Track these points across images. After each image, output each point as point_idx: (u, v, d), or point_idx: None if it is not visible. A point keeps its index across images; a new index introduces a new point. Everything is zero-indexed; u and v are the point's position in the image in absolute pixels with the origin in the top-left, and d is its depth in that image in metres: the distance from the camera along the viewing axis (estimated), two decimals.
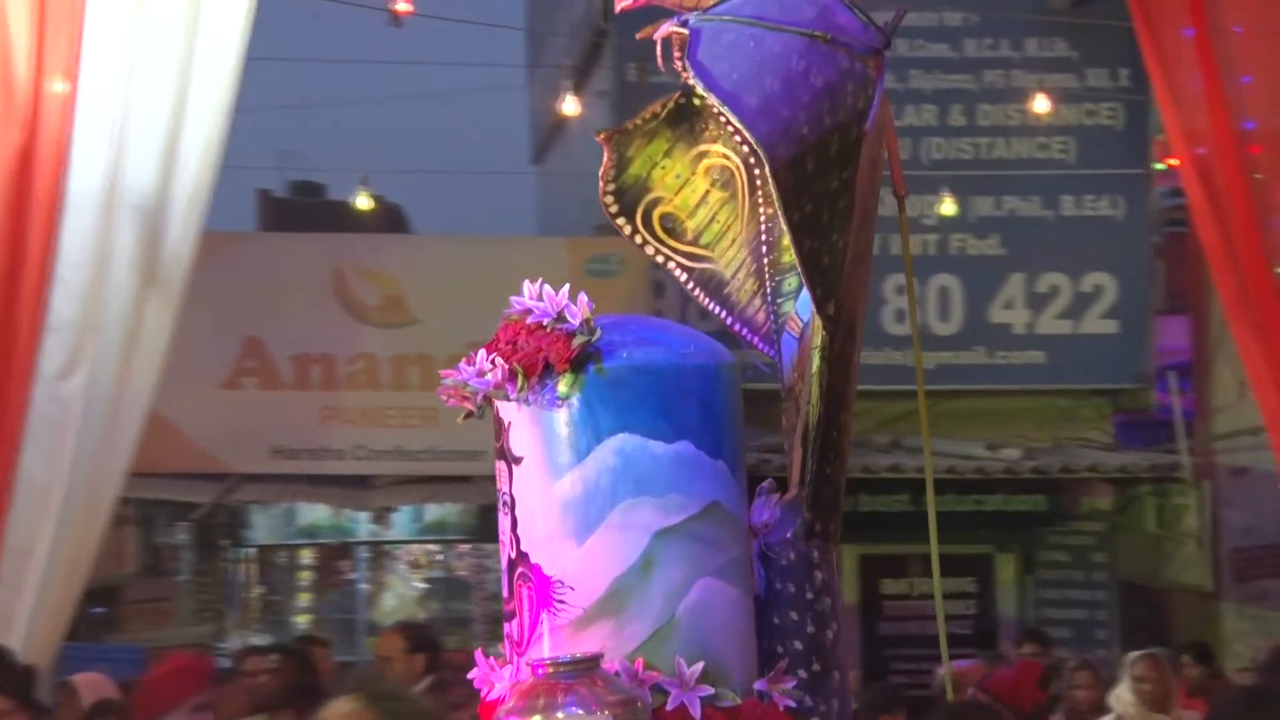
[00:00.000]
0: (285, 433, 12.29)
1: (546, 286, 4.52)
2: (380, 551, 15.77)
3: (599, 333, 4.49)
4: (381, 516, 13.96)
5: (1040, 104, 11.97)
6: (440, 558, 15.55)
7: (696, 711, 4.38)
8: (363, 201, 13.59)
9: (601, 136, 4.97)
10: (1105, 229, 12.60)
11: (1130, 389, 12.88)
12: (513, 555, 4.52)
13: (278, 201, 17.17)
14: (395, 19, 9.67)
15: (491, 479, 4.61)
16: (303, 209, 16.74)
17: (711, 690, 4.40)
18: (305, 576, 16.19)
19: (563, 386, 4.46)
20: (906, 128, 12.55)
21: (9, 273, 7.89)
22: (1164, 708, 7.65)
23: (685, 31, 4.63)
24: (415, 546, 15.72)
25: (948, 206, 12.31)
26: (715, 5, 4.70)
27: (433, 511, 14.64)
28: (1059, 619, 13.11)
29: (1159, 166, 12.55)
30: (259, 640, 13.59)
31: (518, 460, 4.54)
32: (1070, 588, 13.23)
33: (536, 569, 4.48)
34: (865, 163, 4.58)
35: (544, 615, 4.44)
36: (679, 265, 5.02)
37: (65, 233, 7.97)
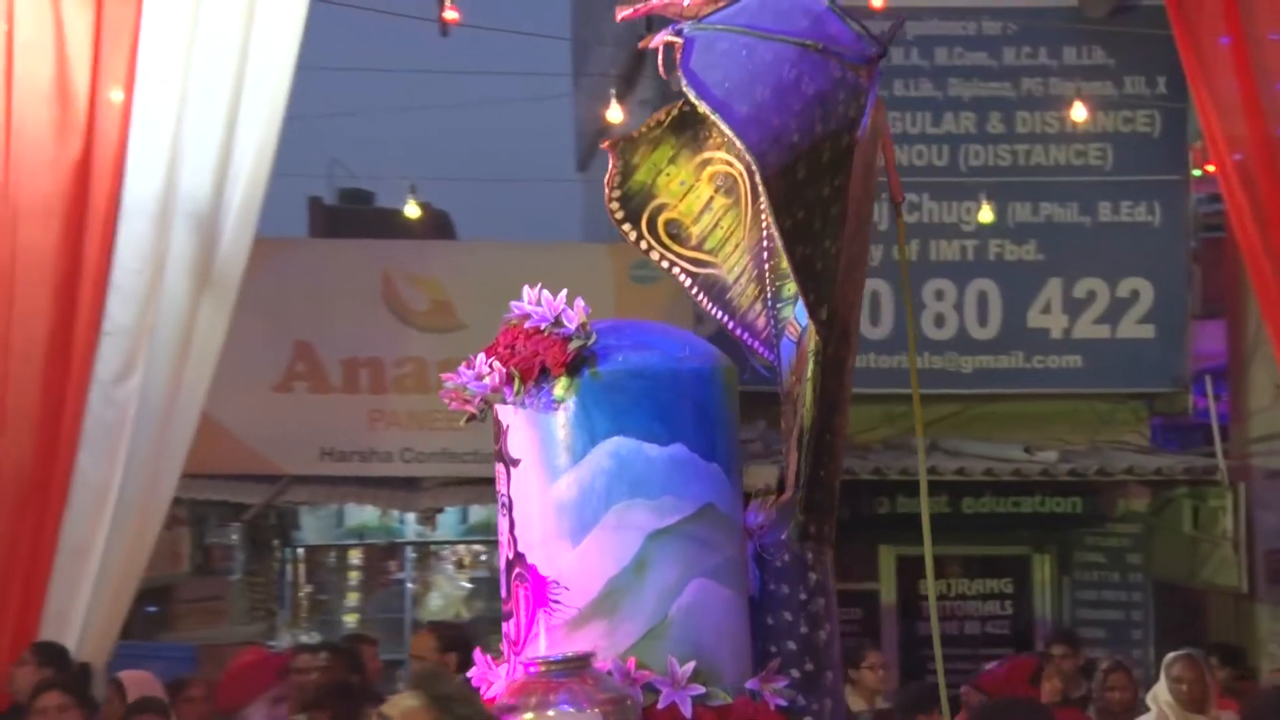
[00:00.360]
0: (334, 435, 12.31)
1: (545, 292, 4.51)
2: (427, 552, 15.79)
3: (594, 337, 4.48)
4: (428, 517, 13.97)
5: (1078, 111, 11.91)
6: (485, 558, 15.53)
7: (687, 710, 4.35)
8: (411, 209, 13.62)
9: (607, 144, 4.95)
10: (1142, 235, 12.52)
11: (1166, 393, 12.78)
12: (510, 556, 4.51)
13: (328, 208, 17.22)
14: (444, 28, 9.67)
15: None
16: (352, 216, 16.78)
17: (703, 689, 4.37)
18: (353, 576, 16.22)
19: (558, 390, 4.45)
20: (945, 135, 12.51)
21: (67, 278, 7.93)
22: (1201, 708, 7.58)
23: (680, 40, 4.61)
24: (461, 547, 15.74)
25: (986, 213, 12.26)
26: (710, 14, 4.67)
27: (478, 512, 14.64)
28: (1095, 619, 13.03)
29: (1196, 173, 12.46)
30: (309, 639, 13.62)
31: (515, 462, 4.53)
32: (1106, 588, 13.14)
33: (533, 569, 4.46)
34: (858, 170, 4.54)
35: (540, 615, 4.42)
36: (683, 270, 5.00)
37: (121, 239, 8.01)
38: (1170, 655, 7.76)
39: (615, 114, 11.59)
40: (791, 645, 4.54)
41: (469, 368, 4.47)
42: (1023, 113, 12.49)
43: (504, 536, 4.47)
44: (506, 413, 4.45)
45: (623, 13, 4.86)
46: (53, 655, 7.59)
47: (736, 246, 4.86)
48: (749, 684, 4.43)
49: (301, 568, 15.84)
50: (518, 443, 4.46)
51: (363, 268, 12.53)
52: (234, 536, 14.71)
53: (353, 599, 16.16)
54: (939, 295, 12.47)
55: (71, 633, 7.98)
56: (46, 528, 7.91)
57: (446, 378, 4.47)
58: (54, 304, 7.93)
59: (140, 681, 7.59)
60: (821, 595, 4.60)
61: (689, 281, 4.99)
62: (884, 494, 12.60)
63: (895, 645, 12.80)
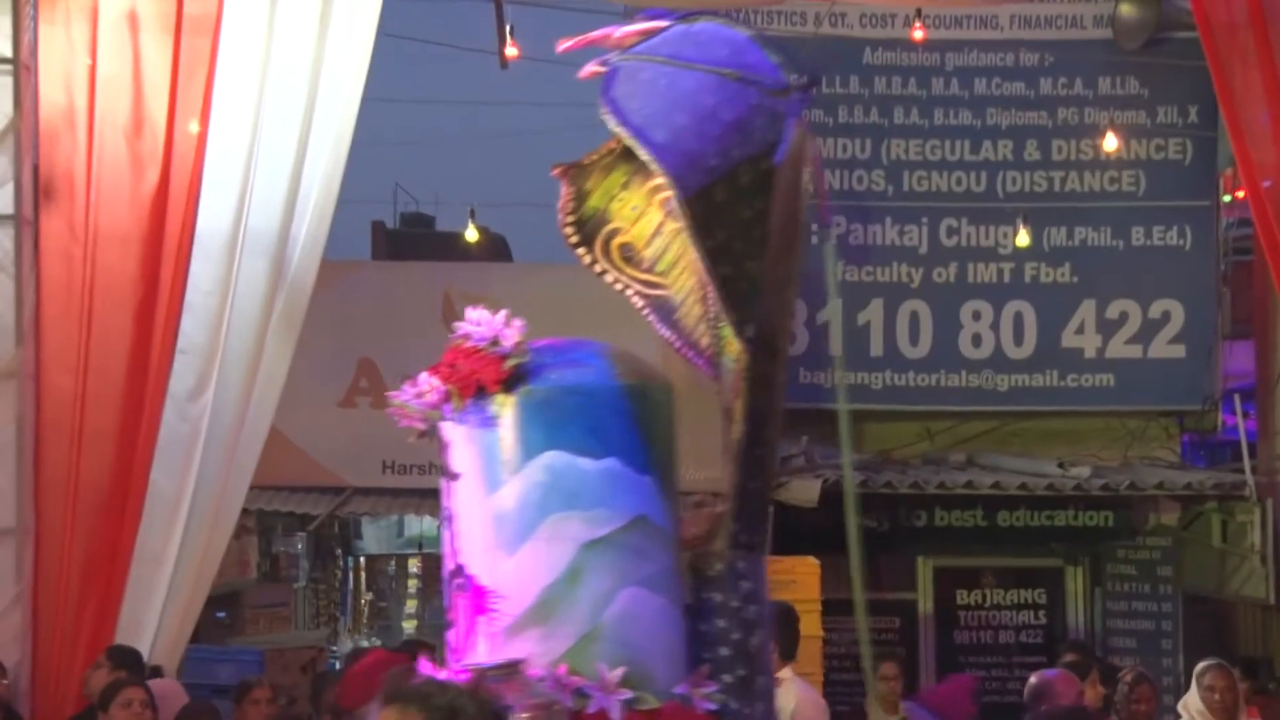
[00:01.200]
0: (395, 449, 12.28)
1: (485, 311, 4.51)
2: None
3: (529, 355, 4.47)
4: None
5: (1111, 140, 11.86)
6: None
7: (616, 714, 4.33)
8: (470, 232, 13.62)
9: (556, 171, 4.93)
10: (1173, 258, 12.42)
11: (1196, 410, 12.67)
12: (452, 567, 4.51)
13: (390, 232, 17.26)
14: (503, 62, 9.69)
15: None
16: (414, 239, 16.82)
17: (632, 694, 4.34)
18: (412, 584, 16.23)
19: (495, 406, 4.45)
20: (983, 161, 12.44)
21: (144, 300, 7.97)
22: (1232, 716, 7.50)
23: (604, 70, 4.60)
24: None
25: (1023, 237, 12.19)
26: (637, 45, 4.65)
27: None
28: (1126, 630, 12.91)
29: (1226, 198, 12.36)
30: (368, 644, 13.63)
31: (456, 477, 4.53)
32: (1137, 600, 13.02)
33: (472, 579, 4.46)
34: (781, 193, 4.51)
35: (480, 622, 4.42)
36: (636, 292, 4.99)
37: (195, 264, 8.05)
38: (1202, 664, 7.68)
39: None
40: (725, 651, 4.52)
41: (412, 385, 4.50)
42: (1058, 140, 12.41)
43: (446, 548, 4.49)
44: (449, 429, 4.48)
45: (563, 45, 4.87)
46: (126, 659, 7.60)
47: (684, 269, 4.84)
48: (678, 689, 4.42)
49: (363, 575, 15.87)
50: (458, 457, 4.49)
51: (423, 289, 12.52)
52: (299, 545, 14.75)
53: (411, 606, 16.17)
54: (976, 316, 12.40)
55: (145, 638, 8.00)
56: (123, 538, 7.93)
57: (391, 395, 4.51)
58: (131, 325, 7.97)
59: (169, 694, 7.48)
60: (754, 603, 4.59)
61: (641, 302, 4.99)
62: (921, 507, 12.53)
63: (933, 653, 12.71)
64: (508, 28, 9.96)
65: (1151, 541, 12.95)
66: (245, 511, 9.22)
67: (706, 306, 4.84)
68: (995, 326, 12.45)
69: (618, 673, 4.32)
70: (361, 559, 15.54)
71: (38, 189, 7.95)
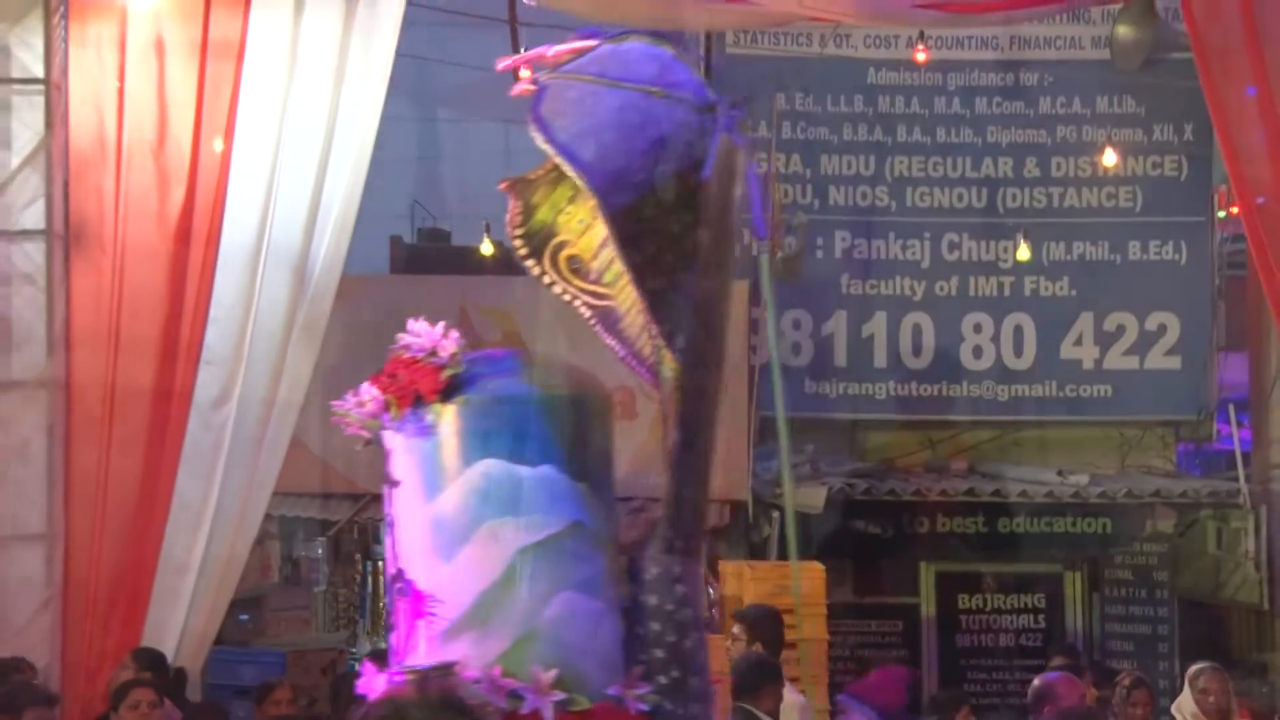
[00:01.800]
0: None
1: (425, 323, 4.53)
2: None
3: (464, 365, 4.48)
4: None
5: (1109, 157, 11.88)
6: None
7: (548, 715, 4.32)
8: (485, 246, 13.63)
9: (504, 185, 4.96)
10: (1169, 272, 12.43)
11: (1192, 420, 12.67)
12: (393, 571, 4.52)
13: (408, 247, 17.25)
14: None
15: None
16: (431, 253, 16.80)
17: (564, 695, 4.34)
18: None
19: (432, 416, 4.46)
20: (984, 178, 12.46)
21: (171, 312, 8.01)
22: (1225, 717, 7.49)
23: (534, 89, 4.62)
24: None
25: (1023, 251, 12.21)
26: (567, 63, 4.67)
27: None
28: (1123, 633, 12.89)
29: (1220, 214, 12.36)
30: (386, 646, 13.61)
31: (396, 484, 4.55)
32: (1134, 604, 13.00)
33: (412, 584, 4.47)
34: (710, 208, 4.51)
35: (419, 626, 4.43)
36: (584, 303, 5.00)
37: (219, 278, 8.08)
38: (1195, 667, 7.67)
39: None
40: (659, 653, 4.52)
41: (355, 395, 4.52)
42: (1057, 158, 12.43)
43: (389, 553, 4.51)
44: (389, 437, 4.50)
45: (502, 63, 4.90)
46: (151, 660, 7.62)
47: (628, 281, 4.84)
48: (611, 690, 4.42)
49: (381, 580, 15.85)
50: (399, 465, 4.52)
51: (440, 301, 12.51)
52: (319, 550, 14.74)
53: None
54: (977, 328, 12.41)
55: (170, 640, 8.02)
56: (149, 543, 7.95)
57: (335, 404, 4.53)
58: (158, 337, 7.99)
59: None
60: (689, 606, 4.59)
61: (588, 313, 5.00)
62: (924, 514, 12.52)
63: (935, 656, 12.70)
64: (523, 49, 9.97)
65: (1148, 548, 12.93)
66: (268, 517, 9.24)
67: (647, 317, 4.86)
68: (996, 338, 12.46)
69: (550, 674, 4.33)
70: (380, 563, 15.54)
71: (68, 205, 7.98)
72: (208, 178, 7.94)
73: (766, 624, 7.57)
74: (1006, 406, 12.46)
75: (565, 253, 4.88)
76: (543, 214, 4.93)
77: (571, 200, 4.87)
